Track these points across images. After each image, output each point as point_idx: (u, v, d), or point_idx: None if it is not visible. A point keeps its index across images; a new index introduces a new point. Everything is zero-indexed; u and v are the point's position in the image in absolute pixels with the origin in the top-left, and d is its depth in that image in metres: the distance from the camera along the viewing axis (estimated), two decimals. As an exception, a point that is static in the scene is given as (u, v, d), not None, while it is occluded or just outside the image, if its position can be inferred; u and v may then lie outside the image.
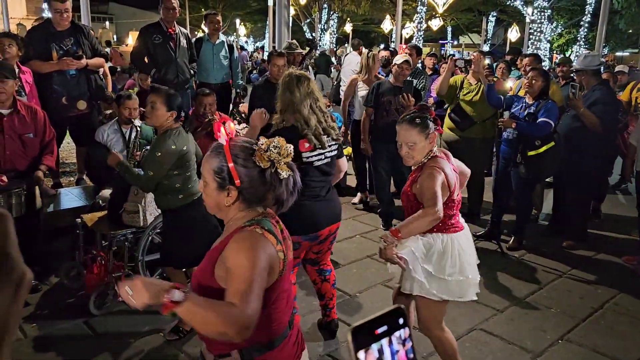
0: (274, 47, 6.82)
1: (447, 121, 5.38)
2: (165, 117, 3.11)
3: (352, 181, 6.29)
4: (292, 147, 1.66)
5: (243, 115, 5.80)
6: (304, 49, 6.65)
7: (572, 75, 6.06)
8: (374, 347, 0.76)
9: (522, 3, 21.01)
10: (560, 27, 24.27)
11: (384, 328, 0.77)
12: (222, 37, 6.07)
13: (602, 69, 5.43)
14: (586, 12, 20.78)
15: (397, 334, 0.79)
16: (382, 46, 13.01)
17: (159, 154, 3.07)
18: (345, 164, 3.24)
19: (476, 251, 2.75)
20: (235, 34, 34.56)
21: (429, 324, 2.68)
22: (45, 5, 18.31)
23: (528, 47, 18.84)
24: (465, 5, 25.34)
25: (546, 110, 4.43)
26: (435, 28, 26.53)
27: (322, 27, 27.85)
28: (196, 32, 24.24)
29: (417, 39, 20.59)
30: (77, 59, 4.82)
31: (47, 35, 4.82)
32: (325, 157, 2.98)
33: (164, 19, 5.42)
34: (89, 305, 3.52)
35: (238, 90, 6.34)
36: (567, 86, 5.38)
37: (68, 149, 6.98)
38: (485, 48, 26.03)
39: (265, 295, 1.53)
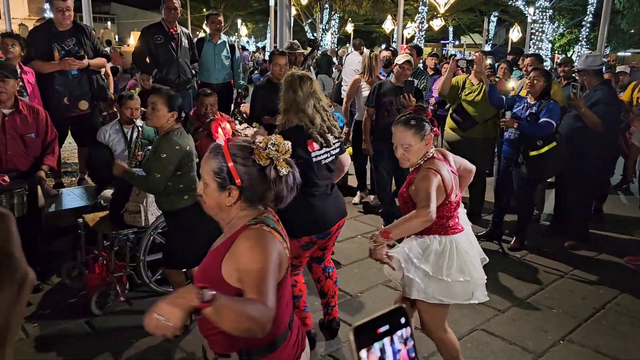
0: (275, 47, 6.82)
1: (449, 121, 5.39)
2: (166, 118, 3.12)
3: (353, 181, 6.29)
4: (289, 143, 1.66)
5: (244, 115, 5.80)
6: (306, 49, 6.66)
7: (573, 75, 6.07)
8: (376, 346, 0.76)
9: (524, 3, 20.99)
10: (562, 27, 24.28)
11: (386, 327, 0.78)
12: (224, 37, 6.07)
13: (604, 69, 5.42)
14: (588, 12, 20.77)
15: (398, 333, 0.79)
16: (383, 46, 13.00)
17: (164, 155, 3.07)
18: (348, 160, 3.27)
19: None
20: (236, 34, 34.59)
21: (431, 326, 2.66)
22: (47, 6, 18.31)
23: (530, 47, 18.83)
24: (467, 5, 25.30)
25: (548, 111, 4.42)
26: (436, 28, 26.53)
27: (324, 28, 27.85)
28: (198, 33, 24.28)
29: (419, 39, 20.57)
30: (79, 59, 4.83)
31: (49, 35, 4.82)
32: (331, 155, 3.02)
33: (166, 19, 5.43)
34: (91, 305, 3.52)
35: (239, 91, 6.35)
36: (568, 86, 5.38)
37: (70, 149, 7.00)
38: (487, 48, 26.01)
39: None
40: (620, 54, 30.49)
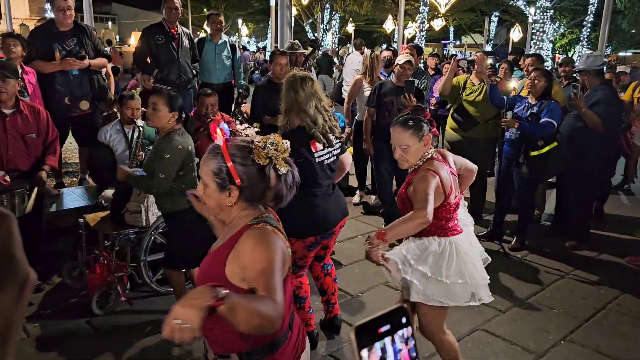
0: (276, 47, 6.82)
1: (449, 121, 5.38)
2: (167, 118, 3.12)
3: (353, 181, 6.30)
4: (288, 142, 1.66)
5: (245, 115, 5.80)
6: (307, 49, 6.66)
7: (574, 75, 6.07)
8: (377, 345, 0.76)
9: (525, 3, 20.95)
10: (562, 27, 24.24)
11: (387, 327, 0.78)
12: (225, 38, 6.07)
13: (605, 69, 5.42)
14: (589, 12, 20.72)
15: (399, 332, 0.79)
16: (384, 46, 12.99)
17: (168, 155, 3.07)
18: (349, 160, 3.29)
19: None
20: (237, 34, 34.60)
21: (431, 329, 2.64)
22: (47, 6, 18.34)
23: (530, 47, 18.80)
24: (468, 6, 25.26)
25: (549, 111, 4.42)
26: (437, 28, 26.52)
27: (325, 28, 27.83)
28: (198, 33, 24.30)
29: (420, 39, 20.55)
30: (79, 59, 4.83)
31: (50, 35, 4.83)
32: (332, 155, 3.04)
33: (167, 19, 5.43)
34: (92, 305, 3.53)
35: (240, 91, 6.35)
36: (569, 86, 5.38)
37: (70, 149, 7.00)
38: (488, 48, 26.00)
39: None
40: (621, 54, 30.46)
